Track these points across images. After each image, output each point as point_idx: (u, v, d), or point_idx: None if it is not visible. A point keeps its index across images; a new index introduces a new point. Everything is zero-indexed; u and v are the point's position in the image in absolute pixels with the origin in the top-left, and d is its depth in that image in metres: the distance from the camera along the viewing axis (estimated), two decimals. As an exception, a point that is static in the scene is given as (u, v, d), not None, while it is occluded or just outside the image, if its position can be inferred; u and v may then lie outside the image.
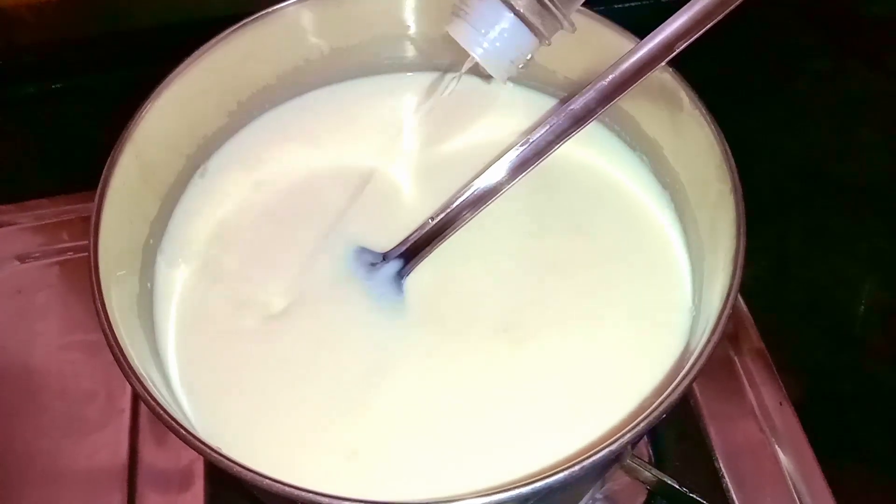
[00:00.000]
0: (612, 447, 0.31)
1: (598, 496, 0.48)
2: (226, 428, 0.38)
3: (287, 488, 0.30)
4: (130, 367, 0.33)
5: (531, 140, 0.39)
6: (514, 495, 0.30)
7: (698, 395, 0.51)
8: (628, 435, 0.31)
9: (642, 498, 0.48)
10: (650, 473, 0.42)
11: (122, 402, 0.51)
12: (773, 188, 0.62)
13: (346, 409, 0.39)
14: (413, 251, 0.42)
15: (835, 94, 0.69)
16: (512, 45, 0.38)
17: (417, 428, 0.38)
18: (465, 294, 0.42)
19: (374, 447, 0.38)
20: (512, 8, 0.37)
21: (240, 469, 0.30)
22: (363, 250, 0.43)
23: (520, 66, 0.40)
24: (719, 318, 0.34)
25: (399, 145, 0.49)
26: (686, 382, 0.32)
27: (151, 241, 0.43)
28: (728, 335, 0.53)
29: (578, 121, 0.38)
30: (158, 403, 0.32)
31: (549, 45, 0.39)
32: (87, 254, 0.36)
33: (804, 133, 0.66)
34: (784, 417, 0.50)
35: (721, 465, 0.49)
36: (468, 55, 0.39)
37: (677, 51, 0.36)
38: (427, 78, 0.51)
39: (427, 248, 0.41)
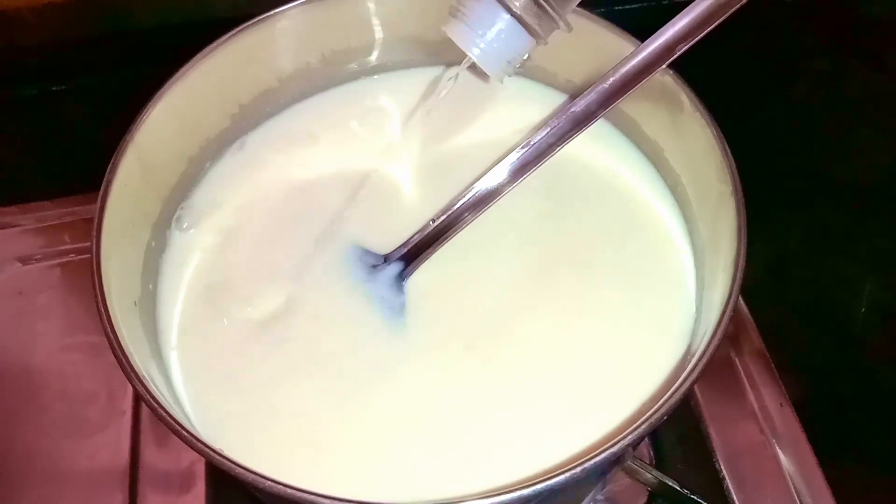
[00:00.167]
0: (614, 449, 0.31)
1: (600, 497, 0.48)
2: (227, 429, 0.38)
3: (288, 490, 0.30)
4: (132, 369, 0.33)
5: (532, 142, 0.39)
6: (516, 497, 0.30)
7: (699, 396, 0.51)
8: (630, 437, 0.31)
9: (643, 499, 0.48)
10: (651, 475, 0.42)
11: (124, 404, 0.51)
12: (774, 188, 0.62)
13: (348, 411, 0.39)
14: (414, 253, 0.42)
15: (835, 94, 0.69)
16: (508, 46, 0.38)
17: (419, 429, 0.38)
18: (467, 295, 0.42)
19: (375, 448, 0.38)
20: (508, 9, 0.37)
21: (241, 470, 0.30)
22: (364, 252, 0.43)
23: (516, 65, 0.40)
24: (720, 319, 0.34)
25: (400, 147, 0.49)
26: (687, 384, 0.32)
27: (153, 244, 0.43)
28: (728, 336, 0.53)
29: (579, 123, 0.39)
30: (160, 404, 0.32)
31: (546, 44, 0.39)
32: (88, 256, 0.36)
33: (804, 133, 0.66)
34: (784, 418, 0.51)
35: (722, 466, 0.49)
36: (465, 55, 0.39)
37: (678, 53, 0.36)
38: (428, 78, 0.51)
39: (429, 250, 0.41)
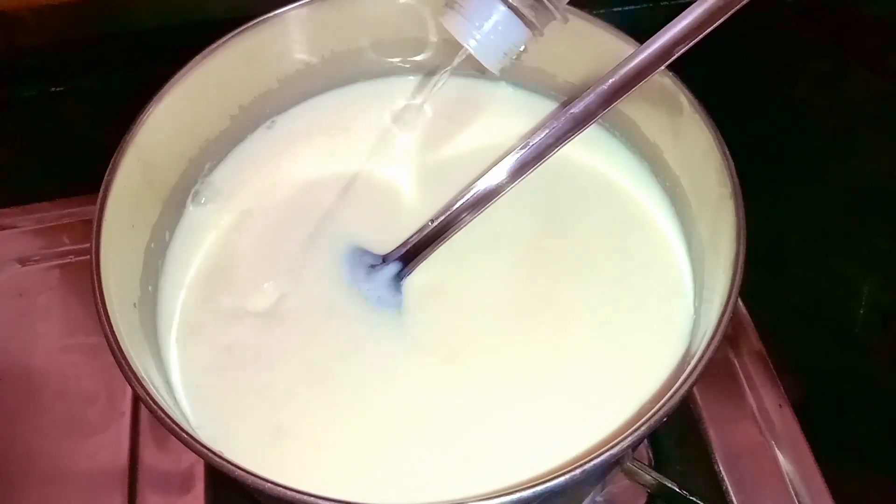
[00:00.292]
0: (613, 450, 0.31)
1: (599, 499, 0.48)
2: (226, 431, 0.38)
3: (287, 491, 0.30)
4: (131, 370, 0.33)
5: (531, 143, 0.39)
6: (516, 499, 0.30)
7: (698, 397, 0.51)
8: (629, 438, 0.31)
9: (642, 501, 0.48)
10: (650, 476, 0.42)
11: (123, 405, 0.51)
12: (773, 189, 0.62)
13: (347, 412, 0.39)
14: (412, 253, 0.42)
15: (835, 95, 0.69)
16: (505, 37, 0.38)
17: (418, 431, 0.38)
18: (465, 296, 0.42)
19: (375, 449, 0.38)
20: (505, 1, 0.37)
21: (241, 472, 0.30)
22: (363, 252, 0.43)
23: (513, 57, 0.40)
24: (720, 321, 0.34)
25: (400, 148, 0.49)
26: (686, 386, 0.32)
27: (153, 245, 0.43)
28: (727, 337, 0.53)
29: (578, 124, 0.39)
30: (159, 406, 0.32)
31: (542, 35, 0.39)
32: (88, 257, 0.36)
33: (804, 134, 0.66)
34: (783, 419, 0.51)
35: (721, 467, 0.49)
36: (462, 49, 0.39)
37: (677, 55, 0.36)
38: (428, 80, 0.51)
39: (426, 251, 0.42)
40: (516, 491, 0.30)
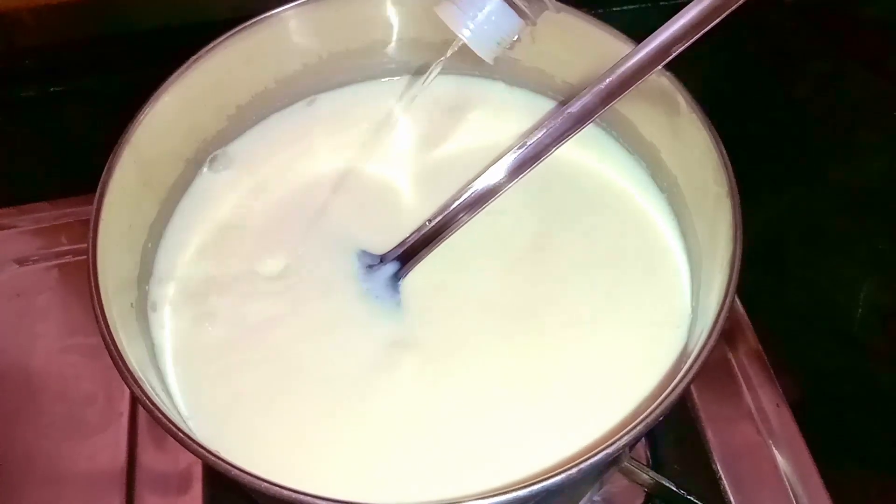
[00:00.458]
0: (609, 450, 0.31)
1: (597, 498, 0.48)
2: (224, 431, 0.38)
3: (285, 491, 0.30)
4: (128, 371, 0.33)
5: (529, 142, 0.39)
6: (513, 497, 0.30)
7: (696, 397, 0.51)
8: (626, 437, 0.31)
9: (640, 500, 0.48)
10: (648, 476, 0.42)
11: (122, 405, 0.51)
12: (772, 190, 0.62)
13: (345, 412, 0.39)
14: (410, 253, 0.42)
15: (834, 95, 0.69)
16: (498, 27, 0.38)
17: (415, 430, 0.38)
18: (462, 296, 0.42)
19: (373, 449, 0.38)
20: None
21: (237, 472, 0.31)
22: (361, 252, 0.43)
23: (506, 47, 0.40)
24: (716, 320, 0.34)
25: (398, 147, 0.49)
26: (683, 385, 0.32)
27: (150, 245, 0.43)
28: (725, 337, 0.53)
29: (576, 123, 0.39)
30: (156, 407, 0.32)
31: (535, 25, 0.39)
32: (86, 257, 0.36)
33: (803, 134, 0.66)
34: (781, 419, 0.51)
35: (718, 467, 0.49)
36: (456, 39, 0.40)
37: (674, 54, 0.36)
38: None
39: (424, 251, 0.42)
40: (512, 490, 0.30)
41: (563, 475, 0.30)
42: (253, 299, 0.42)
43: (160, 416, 0.32)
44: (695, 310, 0.41)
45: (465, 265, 0.43)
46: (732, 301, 0.34)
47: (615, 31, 0.42)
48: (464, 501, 0.30)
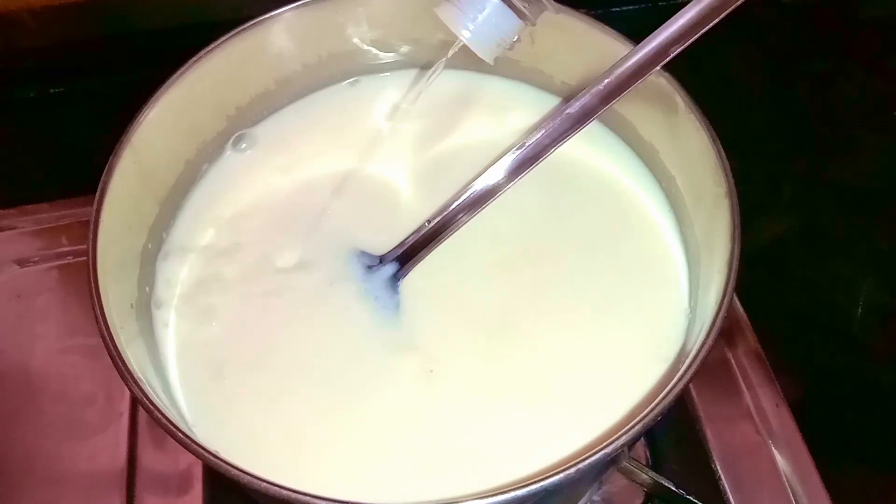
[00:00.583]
0: (607, 449, 0.31)
1: (596, 498, 0.48)
2: (224, 431, 0.38)
3: (285, 491, 0.30)
4: (128, 371, 0.33)
5: (528, 143, 0.39)
6: (511, 498, 0.30)
7: (695, 397, 0.51)
8: (624, 437, 0.31)
9: (639, 500, 0.48)
10: (647, 476, 0.42)
11: (122, 406, 0.51)
12: (771, 190, 0.62)
13: (345, 412, 0.39)
14: (410, 254, 0.42)
15: (833, 96, 0.69)
16: (498, 28, 0.39)
17: (415, 430, 0.38)
18: (462, 296, 0.42)
19: (373, 449, 0.38)
20: None
21: (237, 472, 0.31)
22: (360, 253, 0.43)
23: (506, 47, 0.40)
24: (715, 319, 0.34)
25: (397, 147, 0.49)
26: (682, 384, 0.32)
27: (150, 246, 0.43)
28: (725, 337, 0.53)
29: (575, 123, 0.39)
30: (156, 407, 0.32)
31: (534, 25, 0.39)
32: (86, 258, 0.36)
33: (802, 135, 0.66)
34: (781, 419, 0.51)
35: (718, 467, 0.49)
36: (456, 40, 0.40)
37: (673, 55, 0.36)
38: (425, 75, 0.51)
39: (424, 251, 0.42)
40: (511, 490, 0.30)
41: (561, 475, 0.30)
42: (253, 300, 0.42)
43: (160, 416, 0.32)
44: (693, 309, 0.41)
45: (464, 265, 0.43)
46: (731, 300, 0.34)
47: (614, 31, 0.42)
48: (463, 501, 0.30)
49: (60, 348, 0.53)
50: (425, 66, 0.51)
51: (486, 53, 0.39)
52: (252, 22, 0.44)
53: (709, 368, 0.51)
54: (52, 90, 0.67)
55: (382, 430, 0.38)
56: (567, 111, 0.38)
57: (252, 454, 0.36)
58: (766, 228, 0.60)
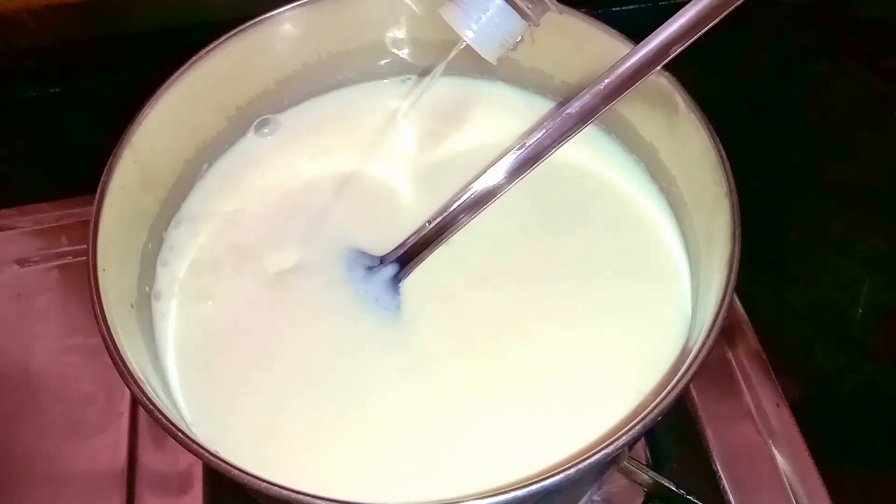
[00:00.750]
0: (608, 449, 0.31)
1: (596, 498, 0.48)
2: (224, 431, 0.38)
3: (285, 492, 0.30)
4: (128, 371, 0.33)
5: (528, 143, 0.39)
6: (511, 498, 0.30)
7: (695, 397, 0.51)
8: (625, 437, 0.31)
9: (640, 500, 0.48)
10: (647, 475, 0.42)
11: (122, 406, 0.51)
12: (771, 190, 0.62)
13: (345, 412, 0.39)
14: (410, 255, 0.42)
15: (832, 95, 0.69)
16: (501, 28, 0.39)
17: (415, 430, 0.38)
18: (462, 297, 0.42)
19: (373, 450, 0.38)
20: None
21: (237, 472, 0.31)
22: (361, 254, 0.43)
23: (509, 47, 0.40)
24: (715, 319, 0.34)
25: (398, 148, 0.49)
26: (682, 384, 0.32)
27: (150, 246, 0.43)
28: (725, 337, 0.53)
29: (575, 124, 0.39)
30: (156, 407, 0.32)
31: (538, 26, 0.39)
32: (86, 258, 0.36)
33: (801, 134, 0.66)
34: (781, 419, 0.50)
35: (718, 466, 0.49)
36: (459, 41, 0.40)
37: (673, 55, 0.36)
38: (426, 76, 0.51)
39: (424, 252, 0.42)
40: (512, 490, 0.30)
41: (562, 475, 0.30)
42: (253, 300, 0.42)
43: (160, 416, 0.32)
44: (694, 309, 0.41)
45: (462, 266, 0.43)
46: (731, 300, 0.34)
47: (614, 31, 0.43)
48: (463, 501, 0.30)
49: (60, 348, 0.53)
50: (427, 68, 0.51)
51: (489, 54, 0.39)
52: (252, 22, 0.44)
53: (709, 368, 0.51)
54: (51, 90, 0.67)
55: (383, 431, 0.38)
56: (567, 111, 0.38)
57: (252, 454, 0.36)
58: (767, 228, 0.59)
